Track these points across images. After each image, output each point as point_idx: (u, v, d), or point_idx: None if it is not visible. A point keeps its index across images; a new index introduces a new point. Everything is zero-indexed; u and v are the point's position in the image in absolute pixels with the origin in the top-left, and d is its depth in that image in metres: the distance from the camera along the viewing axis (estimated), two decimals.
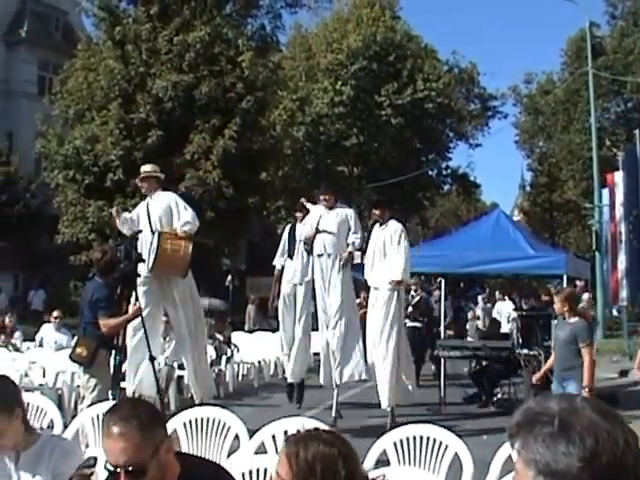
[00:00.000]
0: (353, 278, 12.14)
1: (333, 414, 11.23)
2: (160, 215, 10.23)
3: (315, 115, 43.73)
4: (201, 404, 9.40)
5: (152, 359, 9.30)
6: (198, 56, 30.22)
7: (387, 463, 5.32)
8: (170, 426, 6.02)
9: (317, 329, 12.12)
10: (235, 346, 17.32)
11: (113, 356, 8.65)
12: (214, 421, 6.14)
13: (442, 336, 16.38)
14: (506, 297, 27.44)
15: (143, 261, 9.28)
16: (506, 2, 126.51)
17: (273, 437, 5.59)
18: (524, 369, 13.42)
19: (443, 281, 17.10)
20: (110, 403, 6.37)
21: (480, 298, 28.59)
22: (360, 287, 13.64)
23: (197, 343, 10.90)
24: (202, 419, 6.17)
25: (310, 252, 11.98)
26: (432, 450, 5.49)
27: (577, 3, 36.03)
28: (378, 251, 11.57)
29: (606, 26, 47.47)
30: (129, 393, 9.84)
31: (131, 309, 8.79)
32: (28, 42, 43.51)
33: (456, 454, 5.35)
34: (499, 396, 14.53)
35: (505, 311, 23.36)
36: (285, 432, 5.49)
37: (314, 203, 12.39)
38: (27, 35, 43.53)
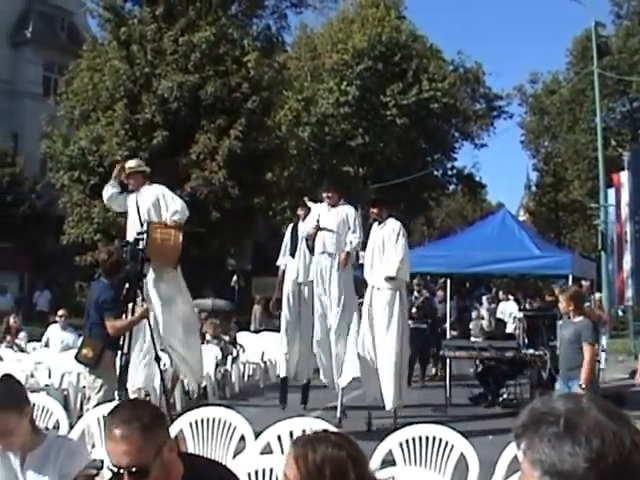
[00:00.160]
0: (354, 277, 12.11)
1: (338, 414, 11.23)
2: (149, 208, 10.10)
3: (320, 115, 43.73)
4: (207, 404, 9.38)
5: (157, 359, 9.28)
6: (203, 56, 30.23)
7: (393, 463, 5.32)
8: (176, 426, 6.03)
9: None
10: (241, 346, 17.32)
11: (119, 357, 8.64)
12: (220, 421, 6.15)
13: (447, 336, 16.38)
14: (510, 297, 27.38)
15: (149, 261, 9.26)
16: (511, 2, 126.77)
17: (279, 437, 5.60)
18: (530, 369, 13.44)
19: (449, 281, 17.11)
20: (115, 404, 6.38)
21: (484, 298, 28.52)
22: (361, 286, 13.63)
23: (189, 331, 10.75)
24: (208, 419, 6.17)
25: (312, 250, 11.97)
26: (438, 450, 5.50)
27: (582, 3, 35.83)
28: (377, 250, 11.46)
29: (611, 26, 47.38)
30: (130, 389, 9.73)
31: (138, 311, 8.76)
32: (33, 42, 43.53)
33: (462, 454, 5.35)
34: (505, 396, 14.52)
35: (508, 311, 23.32)
36: (291, 433, 5.50)
37: (319, 202, 12.35)
38: (32, 35, 43.54)
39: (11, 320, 16.67)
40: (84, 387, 10.45)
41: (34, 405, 5.01)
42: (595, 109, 34.22)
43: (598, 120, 33.56)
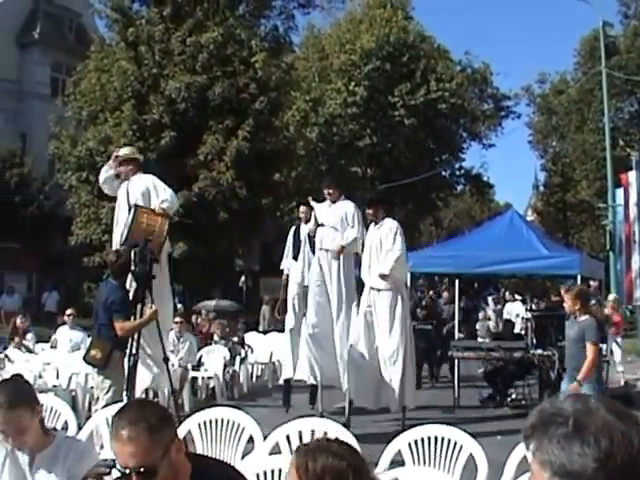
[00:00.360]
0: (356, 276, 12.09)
1: (346, 415, 11.22)
2: (138, 197, 10.04)
3: (328, 116, 43.70)
4: (215, 405, 9.38)
5: (166, 360, 9.28)
6: (211, 57, 30.21)
7: (402, 463, 5.32)
8: (184, 427, 6.04)
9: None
10: (249, 347, 17.35)
11: (127, 357, 8.64)
12: (228, 422, 6.15)
13: (455, 337, 16.37)
14: (517, 297, 27.37)
15: (157, 262, 9.25)
16: (519, 2, 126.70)
17: (287, 438, 5.60)
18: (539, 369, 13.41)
19: (456, 281, 17.10)
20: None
21: (490, 299, 28.50)
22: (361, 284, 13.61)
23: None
24: (216, 420, 6.18)
25: (314, 250, 11.95)
26: (447, 451, 5.50)
27: (590, 3, 35.82)
28: (375, 251, 11.46)
29: (619, 26, 47.26)
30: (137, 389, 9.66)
31: (147, 312, 8.75)
32: (41, 43, 43.59)
33: (471, 455, 5.35)
34: (513, 397, 14.49)
35: (515, 312, 23.31)
36: (299, 433, 5.51)
37: (323, 201, 12.32)
38: (40, 36, 43.59)
39: (19, 321, 16.71)
40: (92, 388, 10.46)
41: (42, 406, 5.03)
42: (603, 109, 34.17)
43: (606, 120, 33.52)
